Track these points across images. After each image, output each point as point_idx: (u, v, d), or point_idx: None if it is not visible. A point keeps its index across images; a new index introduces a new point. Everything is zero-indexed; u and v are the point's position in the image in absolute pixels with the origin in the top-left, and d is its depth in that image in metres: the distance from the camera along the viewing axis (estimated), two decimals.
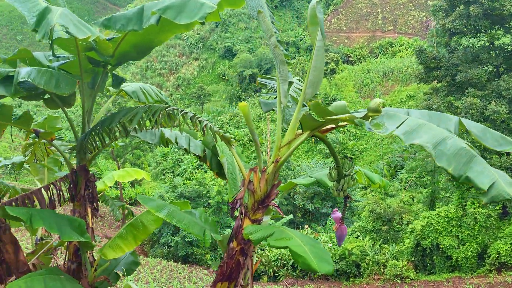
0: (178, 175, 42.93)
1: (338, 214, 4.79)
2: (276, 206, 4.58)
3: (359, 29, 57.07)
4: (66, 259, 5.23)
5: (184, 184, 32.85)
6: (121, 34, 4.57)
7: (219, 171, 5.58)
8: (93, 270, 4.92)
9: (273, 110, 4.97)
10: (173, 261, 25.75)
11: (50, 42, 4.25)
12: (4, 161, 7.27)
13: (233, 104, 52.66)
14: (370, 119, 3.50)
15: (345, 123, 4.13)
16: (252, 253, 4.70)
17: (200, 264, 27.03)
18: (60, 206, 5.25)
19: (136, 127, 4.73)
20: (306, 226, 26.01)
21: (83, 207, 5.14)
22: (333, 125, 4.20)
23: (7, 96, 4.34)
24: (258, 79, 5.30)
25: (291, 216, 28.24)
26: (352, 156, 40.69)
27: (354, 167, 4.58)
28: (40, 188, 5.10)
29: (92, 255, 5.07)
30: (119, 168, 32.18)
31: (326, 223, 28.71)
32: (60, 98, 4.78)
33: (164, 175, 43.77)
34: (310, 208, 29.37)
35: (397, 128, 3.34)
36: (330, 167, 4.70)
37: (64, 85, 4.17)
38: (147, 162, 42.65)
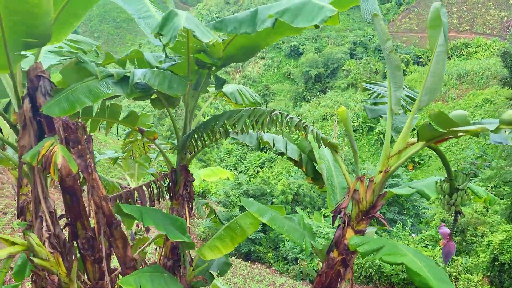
0: (240, 172, 43.42)
1: (447, 229, 4.52)
2: (382, 218, 4.39)
3: None
4: (162, 256, 5.35)
5: (248, 181, 33.12)
6: (230, 36, 4.58)
7: (314, 177, 5.47)
8: (191, 269, 5.00)
9: (381, 117, 4.77)
10: (235, 258, 26.06)
11: (164, 44, 4.34)
12: (99, 156, 7.60)
13: (298, 103, 52.38)
14: (507, 133, 3.22)
15: (464, 133, 3.87)
16: (352, 264, 4.55)
17: (262, 262, 27.17)
18: (159, 203, 5.38)
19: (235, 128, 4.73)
20: None
21: (181, 206, 5.23)
22: (450, 136, 3.95)
23: (119, 96, 4.49)
24: (362, 83, 5.13)
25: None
26: (421, 161, 39.14)
27: (468, 181, 4.29)
28: (142, 185, 5.26)
29: (190, 254, 5.15)
30: None
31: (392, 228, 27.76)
32: (166, 98, 4.88)
33: (214, 167, 44.39)
34: None
35: None
36: (440, 179, 4.44)
37: (176, 87, 4.24)
38: (213, 158, 43.53)
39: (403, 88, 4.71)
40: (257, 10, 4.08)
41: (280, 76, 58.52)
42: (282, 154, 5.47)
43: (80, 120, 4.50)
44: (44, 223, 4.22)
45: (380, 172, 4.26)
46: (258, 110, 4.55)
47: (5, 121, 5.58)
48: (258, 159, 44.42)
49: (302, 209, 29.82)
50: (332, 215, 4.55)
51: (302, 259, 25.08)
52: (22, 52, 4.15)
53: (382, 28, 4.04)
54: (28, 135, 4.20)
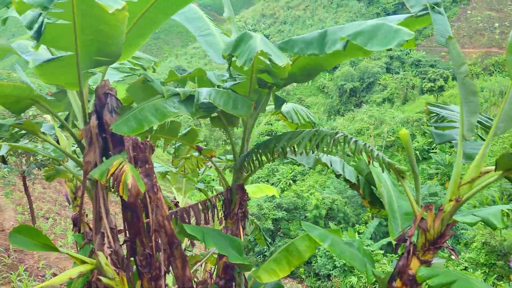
0: (272, 184, 43.23)
1: None
2: (451, 249, 4.20)
3: (472, 44, 53.30)
4: (215, 275, 5.29)
5: (280, 194, 32.92)
6: (294, 57, 4.53)
7: (372, 200, 5.31)
8: None
9: (450, 142, 4.60)
10: None
11: (229, 64, 4.33)
12: None
13: (332, 117, 51.94)
14: None
15: None
16: None
17: (293, 277, 26.85)
18: (213, 222, 5.34)
19: (296, 150, 4.65)
20: None
21: (235, 225, 5.17)
22: None
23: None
24: (427, 106, 4.96)
25: (390, 238, 26.95)
26: None
27: None
28: (197, 203, 5.23)
29: (244, 275, 5.08)
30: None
31: None
32: (227, 118, 4.86)
33: (258, 183, 44.30)
34: None
35: None
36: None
37: (241, 107, 4.21)
38: None
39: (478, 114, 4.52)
40: (326, 32, 4.02)
41: (314, 89, 58.25)
42: (338, 175, 5.34)
43: (147, 138, 4.52)
44: (105, 239, 4.24)
45: (450, 200, 4.08)
46: (320, 132, 4.46)
47: (63, 135, 5.70)
48: (290, 171, 44.18)
49: (335, 224, 29.35)
50: (395, 242, 4.39)
51: (335, 276, 24.63)
52: (91, 70, 4.22)
53: (457, 51, 3.89)
54: (93, 151, 4.24)
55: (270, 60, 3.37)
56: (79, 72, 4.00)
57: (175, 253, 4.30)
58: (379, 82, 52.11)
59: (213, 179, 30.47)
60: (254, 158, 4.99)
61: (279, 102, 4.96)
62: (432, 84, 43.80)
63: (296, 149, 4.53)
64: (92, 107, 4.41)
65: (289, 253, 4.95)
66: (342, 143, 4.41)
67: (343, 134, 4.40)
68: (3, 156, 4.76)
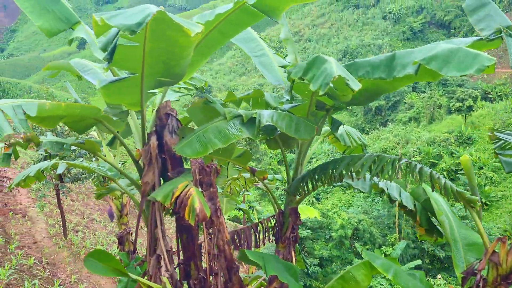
0: None
1: None
2: None
3: (501, 64, 52.29)
4: None
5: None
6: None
7: (429, 228, 5.11)
8: None
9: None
10: None
11: (291, 86, 4.25)
12: None
13: None
14: None
15: None
16: None
17: None
18: (264, 245, 5.21)
19: (354, 174, 4.52)
20: (439, 276, 23.90)
21: (287, 249, 5.04)
22: None
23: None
24: (494, 132, 4.77)
25: (419, 261, 26.29)
26: (488, 203, 36.90)
27: None
28: (250, 226, 5.13)
29: None
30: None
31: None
32: (283, 140, 4.78)
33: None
34: (441, 256, 27.01)
35: None
36: None
37: (304, 130, 4.11)
38: None
39: None
40: (394, 56, 3.90)
41: None
42: (392, 201, 5.17)
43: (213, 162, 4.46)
44: (162, 262, 4.16)
45: None
46: (382, 158, 4.33)
47: (110, 152, 5.69)
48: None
49: (361, 245, 28.81)
50: (463, 275, 4.19)
51: None
52: (153, 90, 4.20)
53: None
54: (152, 172, 4.19)
55: (347, 84, 3.28)
56: (142, 92, 3.98)
57: (233, 279, 4.18)
58: (405, 101, 51.50)
59: (239, 195, 30.27)
60: (309, 182, 4.87)
61: (336, 124, 4.85)
62: (460, 104, 42.96)
63: (356, 176, 4.39)
64: (151, 128, 4.38)
65: (345, 281, 4.77)
66: (405, 170, 4.27)
67: (407, 160, 4.26)
68: (60, 174, 4.75)
